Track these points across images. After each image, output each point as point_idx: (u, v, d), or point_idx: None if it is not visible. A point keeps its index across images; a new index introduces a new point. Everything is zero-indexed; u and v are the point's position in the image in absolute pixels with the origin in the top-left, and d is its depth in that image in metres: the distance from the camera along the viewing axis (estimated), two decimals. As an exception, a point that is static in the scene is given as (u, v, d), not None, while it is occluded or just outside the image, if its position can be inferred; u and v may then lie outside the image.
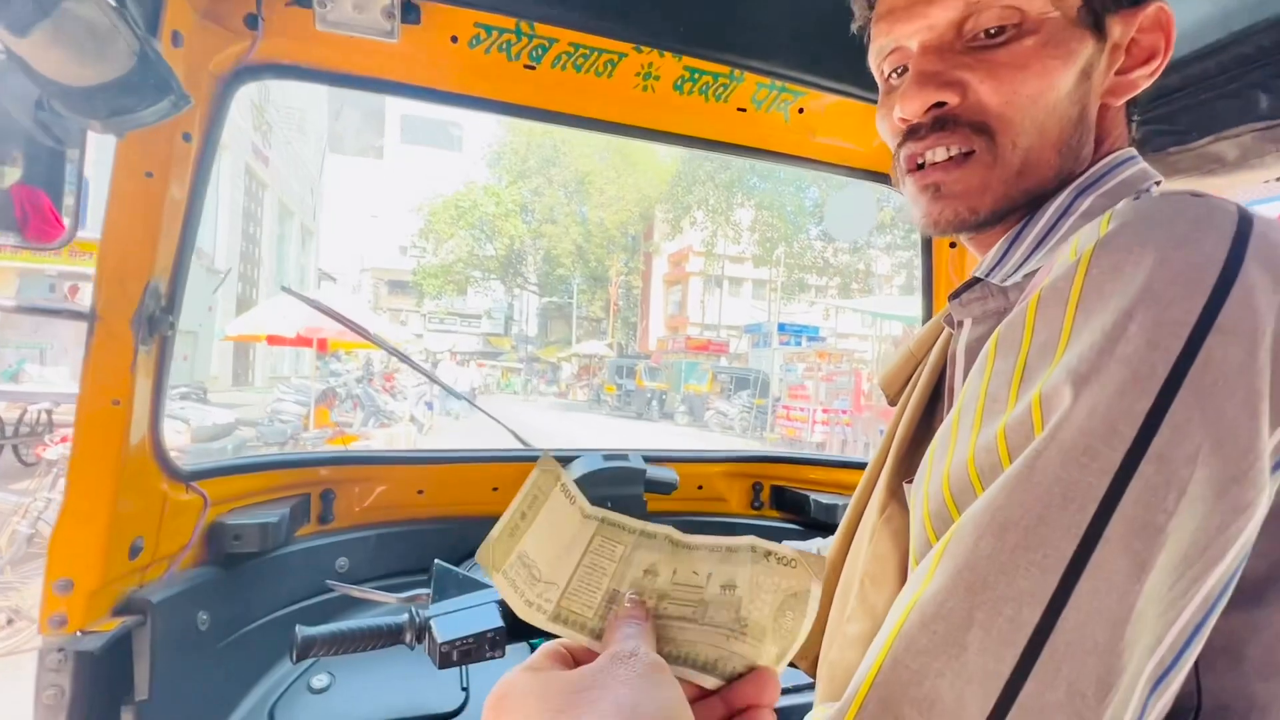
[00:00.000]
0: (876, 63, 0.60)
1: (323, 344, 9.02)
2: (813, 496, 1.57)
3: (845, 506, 1.61)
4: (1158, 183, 0.52)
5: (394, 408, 11.94)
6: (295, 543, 1.23)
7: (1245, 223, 0.36)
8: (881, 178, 1.37)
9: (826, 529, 1.57)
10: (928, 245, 1.40)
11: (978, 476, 0.38)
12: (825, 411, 15.34)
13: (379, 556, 1.34)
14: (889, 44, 0.57)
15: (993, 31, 0.51)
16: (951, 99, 0.52)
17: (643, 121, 1.18)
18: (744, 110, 1.20)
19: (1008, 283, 0.53)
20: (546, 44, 1.04)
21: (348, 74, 1.00)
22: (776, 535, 1.63)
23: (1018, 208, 0.54)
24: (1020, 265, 0.53)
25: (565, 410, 23.31)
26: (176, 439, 5.65)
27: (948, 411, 0.57)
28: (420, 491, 1.41)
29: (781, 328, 21.51)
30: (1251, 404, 0.33)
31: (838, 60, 1.06)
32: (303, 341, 8.31)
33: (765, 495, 1.67)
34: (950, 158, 0.53)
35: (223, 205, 16.33)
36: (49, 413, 8.55)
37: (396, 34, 0.90)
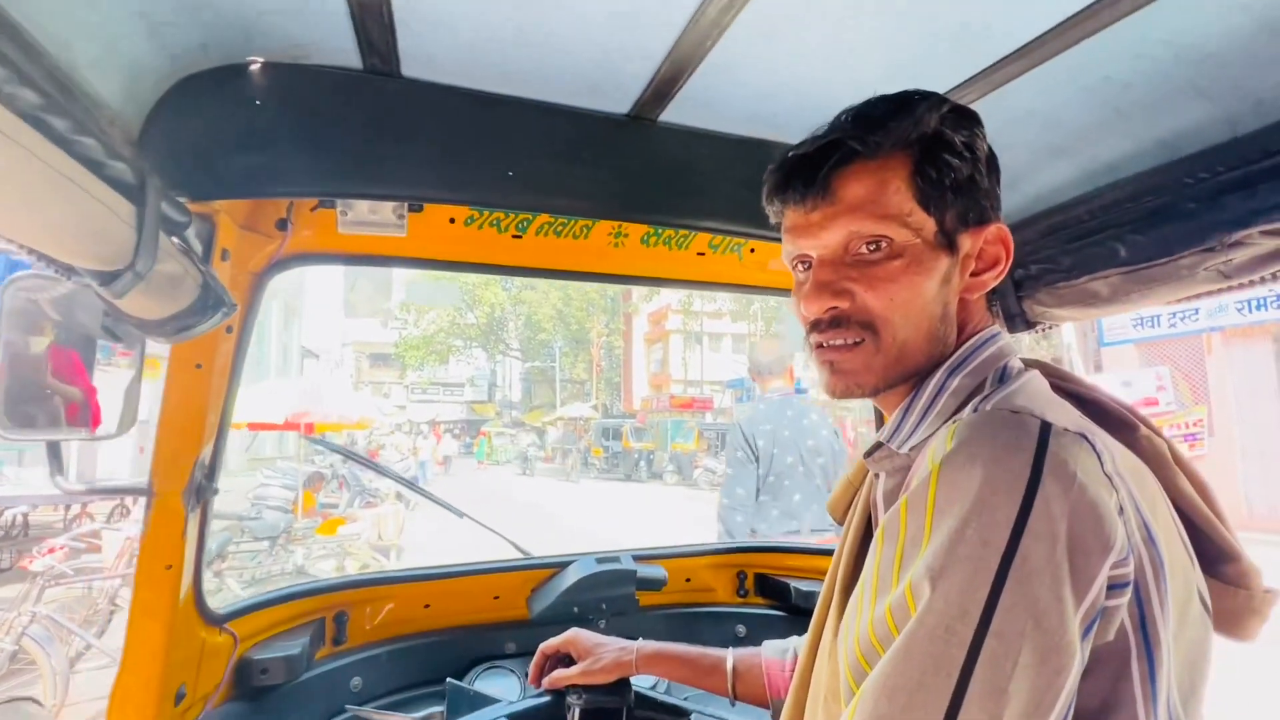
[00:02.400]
0: (787, 259, 0.76)
1: (309, 427, 9.02)
2: (793, 584, 1.68)
3: (823, 593, 1.72)
4: (1006, 365, 0.68)
5: (380, 485, 11.81)
6: (314, 666, 1.32)
7: (1043, 443, 0.52)
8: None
9: (807, 615, 1.68)
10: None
11: (878, 642, 0.53)
12: (812, 463, 15.37)
13: (391, 672, 1.42)
14: (794, 251, 0.73)
15: (870, 249, 0.66)
16: (843, 304, 0.67)
17: (616, 270, 1.36)
18: (703, 254, 1.39)
19: (903, 449, 0.69)
20: (530, 218, 1.22)
21: (363, 255, 1.16)
22: (762, 622, 1.74)
23: (897, 383, 0.69)
24: (912, 433, 0.68)
25: (559, 478, 23.04)
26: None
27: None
28: (426, 605, 1.51)
29: (731, 384, 21.75)
30: (1058, 589, 0.47)
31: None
32: (290, 427, 8.33)
33: (750, 583, 1.79)
34: (843, 344, 0.69)
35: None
36: (25, 516, 8.38)
37: (405, 229, 1.08)
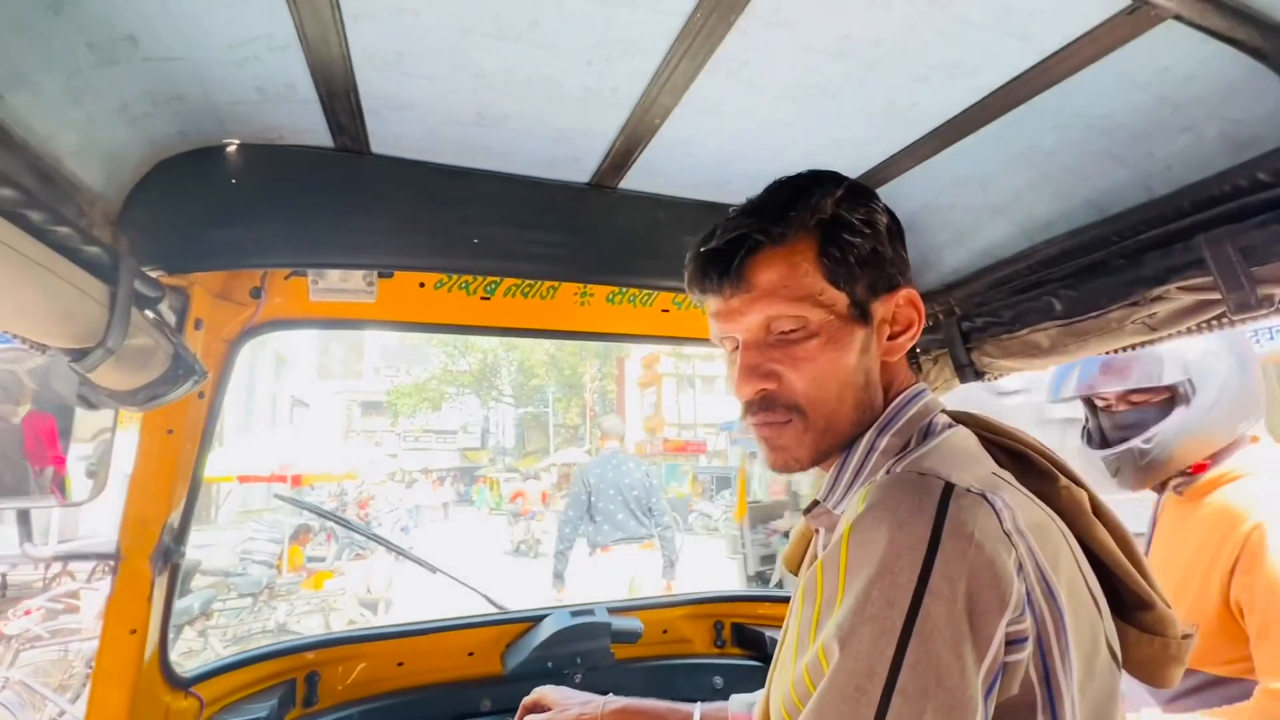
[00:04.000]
0: (716, 341, 0.78)
1: (296, 479, 8.93)
2: (768, 634, 1.69)
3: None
4: (931, 422, 0.71)
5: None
6: None
7: (943, 505, 0.55)
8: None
9: (783, 664, 1.68)
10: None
11: (799, 700, 0.56)
12: (807, 505, 15.23)
13: None
14: (720, 334, 0.76)
15: (788, 330, 0.69)
16: (770, 386, 0.70)
17: (583, 328, 1.42)
18: (668, 311, 1.44)
19: (838, 509, 0.73)
20: (497, 281, 1.27)
21: (335, 320, 1.21)
22: (739, 672, 1.73)
23: (831, 454, 0.72)
24: (845, 493, 0.72)
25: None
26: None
27: None
28: (400, 663, 1.50)
29: (727, 425, 21.75)
30: (958, 648, 0.50)
31: None
32: (276, 479, 8.25)
33: (727, 634, 1.79)
34: (775, 423, 0.72)
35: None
36: (3, 575, 8.17)
37: (375, 295, 1.13)
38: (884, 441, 0.70)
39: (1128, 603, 0.69)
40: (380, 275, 1.17)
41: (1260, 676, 1.10)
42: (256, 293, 1.11)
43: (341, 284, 1.11)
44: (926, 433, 0.70)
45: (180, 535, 1.03)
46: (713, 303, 0.73)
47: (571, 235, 1.21)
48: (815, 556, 0.79)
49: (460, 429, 42.43)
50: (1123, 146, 1.04)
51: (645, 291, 1.40)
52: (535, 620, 1.59)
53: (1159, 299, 1.03)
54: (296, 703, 1.37)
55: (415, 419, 36.08)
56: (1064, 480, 0.70)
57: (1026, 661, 0.53)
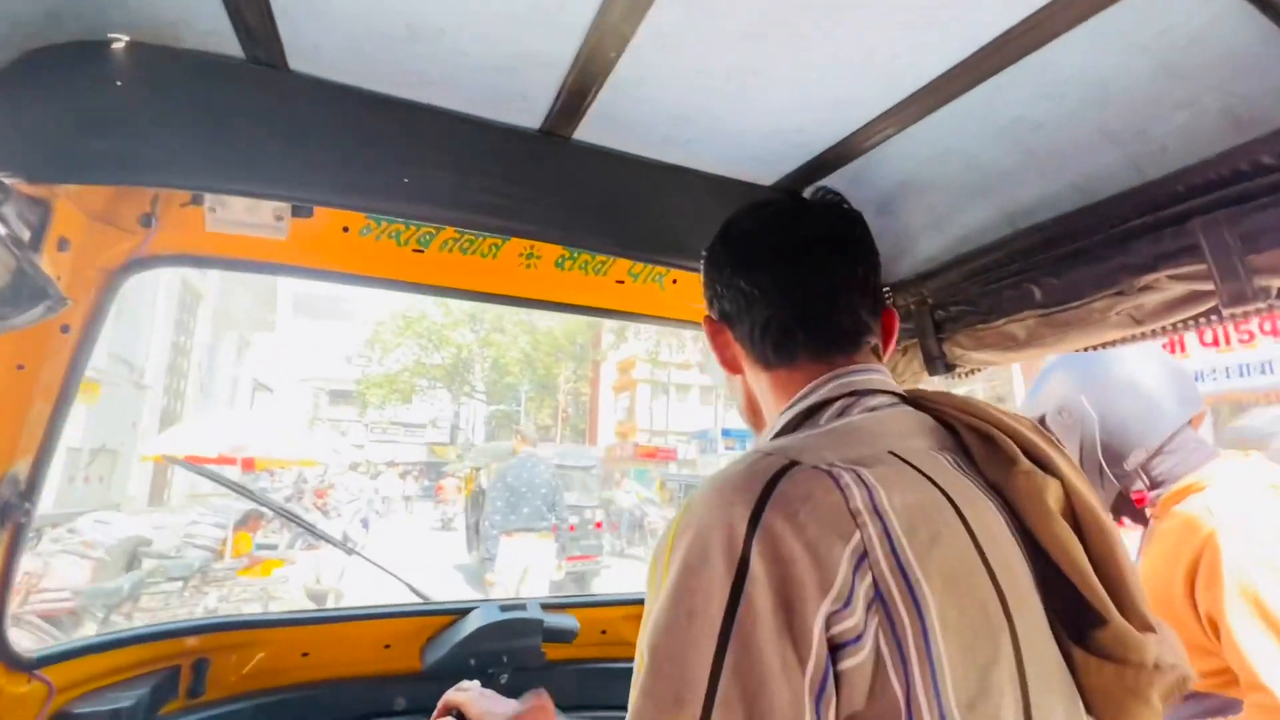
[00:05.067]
0: None
1: (249, 463, 8.61)
2: (713, 639, 1.57)
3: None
4: (845, 405, 0.67)
5: (326, 526, 11.26)
6: None
7: (772, 484, 0.49)
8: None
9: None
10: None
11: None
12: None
13: None
14: None
15: None
16: None
17: (528, 294, 1.29)
18: (622, 282, 1.33)
19: None
20: (433, 231, 1.15)
21: (240, 260, 1.07)
22: (681, 680, 1.61)
23: None
24: None
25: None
26: (70, 575, 5.16)
27: None
28: (305, 654, 1.36)
29: (725, 433, 21.76)
30: (779, 644, 0.44)
31: (698, 246, 1.21)
32: (225, 461, 7.92)
33: (670, 637, 1.67)
34: None
35: (156, 318, 15.91)
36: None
37: (285, 232, 0.99)
38: (782, 423, 0.67)
39: (1081, 617, 0.56)
40: (296, 213, 1.04)
41: (1245, 693, 1.02)
42: (147, 220, 0.97)
43: (246, 216, 0.97)
44: (841, 415, 0.64)
45: (28, 490, 0.88)
46: None
47: (519, 187, 1.09)
48: None
49: (430, 423, 41.79)
50: (1117, 121, 0.95)
51: (598, 260, 1.28)
52: (461, 613, 1.46)
53: (1147, 289, 0.94)
54: (180, 693, 1.22)
55: (384, 410, 35.40)
56: (1024, 465, 0.60)
57: (871, 666, 0.45)
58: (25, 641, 0.99)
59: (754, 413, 0.76)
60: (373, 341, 30.41)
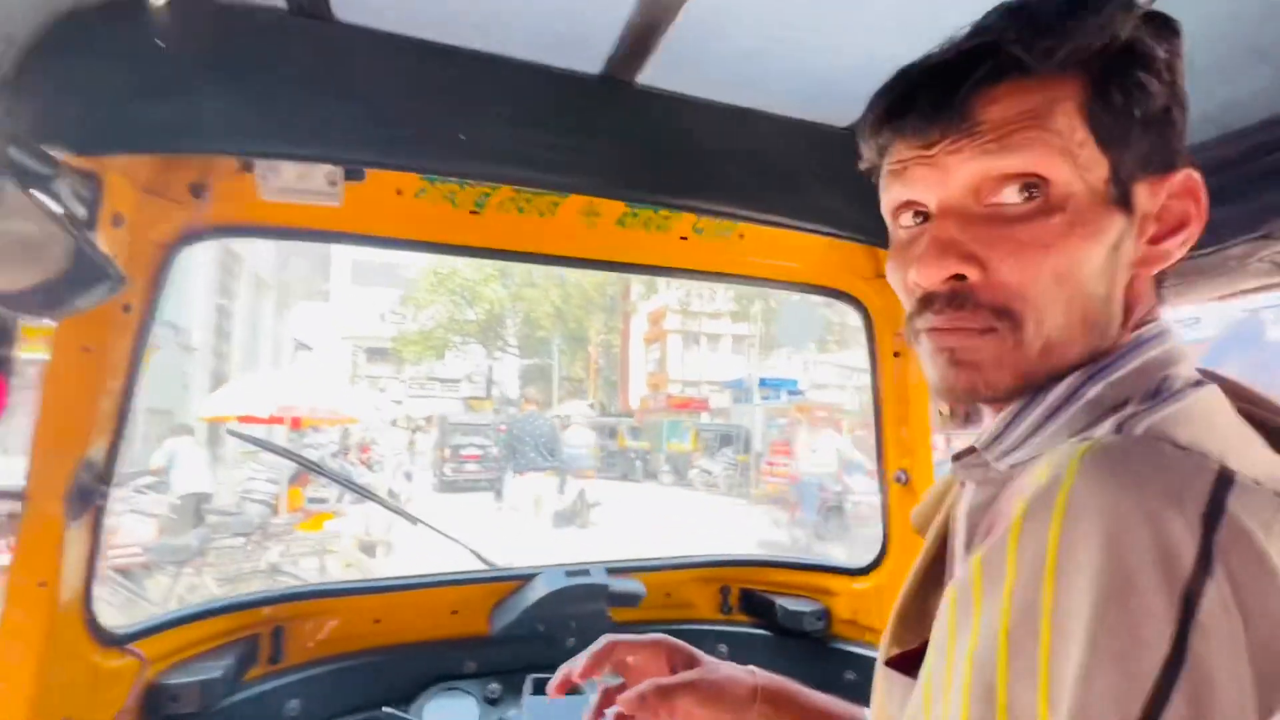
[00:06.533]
0: (887, 211, 0.56)
1: (296, 421, 8.87)
2: (779, 601, 1.55)
3: (812, 614, 1.58)
4: (1168, 376, 0.48)
5: (369, 480, 11.65)
6: (243, 688, 1.18)
7: (1217, 501, 0.35)
8: (822, 291, 1.43)
9: (793, 635, 1.55)
10: (873, 351, 1.45)
11: None
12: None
13: (334, 693, 1.29)
14: (901, 196, 0.53)
15: (1019, 198, 0.47)
16: (972, 274, 0.48)
17: (588, 254, 1.23)
18: (686, 238, 1.25)
19: (1003, 463, 0.51)
20: (489, 191, 1.08)
21: (293, 228, 1.03)
22: (746, 641, 1.61)
23: (1038, 384, 0.49)
24: (1020, 445, 0.50)
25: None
26: (139, 532, 5.44)
27: (948, 578, 0.55)
28: (377, 620, 1.37)
29: (762, 382, 21.65)
30: (1242, 715, 0.32)
31: (771, 196, 1.12)
32: (275, 420, 8.17)
33: (734, 599, 1.65)
34: (968, 329, 0.49)
35: (198, 281, 16.31)
36: None
37: (339, 198, 0.94)
38: (1094, 390, 0.48)
39: None
40: (349, 177, 0.98)
41: None
42: (198, 190, 0.92)
43: (299, 182, 0.92)
44: (1158, 390, 0.46)
45: (105, 473, 0.87)
46: (902, 149, 0.52)
47: (580, 137, 1.01)
48: (951, 518, 0.57)
49: (465, 378, 42.58)
50: (1274, 36, 0.82)
51: (662, 215, 1.20)
52: (526, 579, 1.46)
53: (1298, 232, 0.83)
54: (261, 660, 1.25)
55: (420, 367, 36.07)
56: None
57: None
58: (101, 592, 0.99)
59: (1089, 323, 0.48)
60: (407, 299, 30.78)
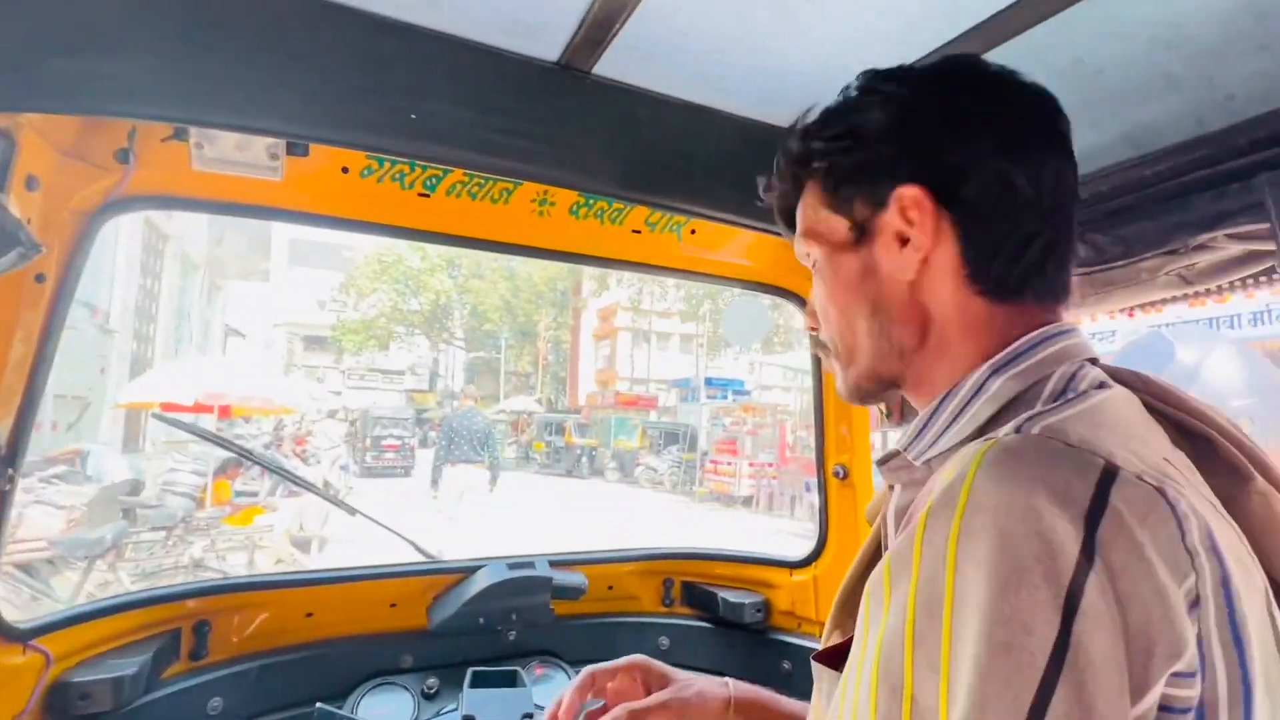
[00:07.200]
0: None
1: (225, 410, 8.47)
2: (720, 594, 1.58)
3: (753, 606, 1.61)
4: (1075, 373, 0.52)
5: (305, 473, 11.22)
6: (161, 686, 1.12)
7: (1101, 496, 0.38)
8: (770, 289, 1.46)
9: (734, 627, 1.58)
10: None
11: None
12: (752, 465, 15.58)
13: (260, 691, 1.24)
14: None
15: (810, 267, 0.66)
16: (812, 324, 0.68)
17: (540, 243, 1.21)
18: (638, 232, 1.25)
19: (921, 459, 0.56)
20: (441, 174, 1.06)
21: (230, 202, 0.98)
22: (688, 633, 1.63)
23: (879, 388, 0.62)
24: (933, 443, 0.55)
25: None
26: (45, 524, 5.07)
27: None
28: (309, 614, 1.33)
29: (709, 381, 21.91)
30: (1119, 700, 0.35)
31: (722, 194, 1.14)
32: (201, 408, 7.77)
33: (676, 592, 1.67)
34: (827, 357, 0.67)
35: (119, 260, 15.29)
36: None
37: (280, 172, 0.90)
38: (996, 384, 0.52)
39: None
40: (291, 151, 0.94)
41: None
42: (123, 155, 0.87)
43: (237, 154, 0.88)
44: (1066, 388, 0.50)
45: (10, 454, 0.81)
46: None
47: (535, 125, 1.00)
48: (883, 519, 0.63)
49: (408, 370, 41.45)
50: (1183, 66, 0.89)
51: (615, 206, 1.20)
52: (468, 571, 1.44)
53: (1201, 248, 0.90)
54: (182, 655, 1.19)
55: (361, 357, 34.91)
56: (1260, 482, 0.50)
57: None
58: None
59: (915, 347, 0.57)
60: (347, 286, 29.73)
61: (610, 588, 1.61)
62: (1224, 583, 0.39)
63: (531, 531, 9.75)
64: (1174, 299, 0.98)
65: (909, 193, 0.55)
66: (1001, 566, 0.37)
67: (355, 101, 0.89)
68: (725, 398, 20.73)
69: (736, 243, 1.35)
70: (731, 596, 1.57)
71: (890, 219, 0.57)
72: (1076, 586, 0.36)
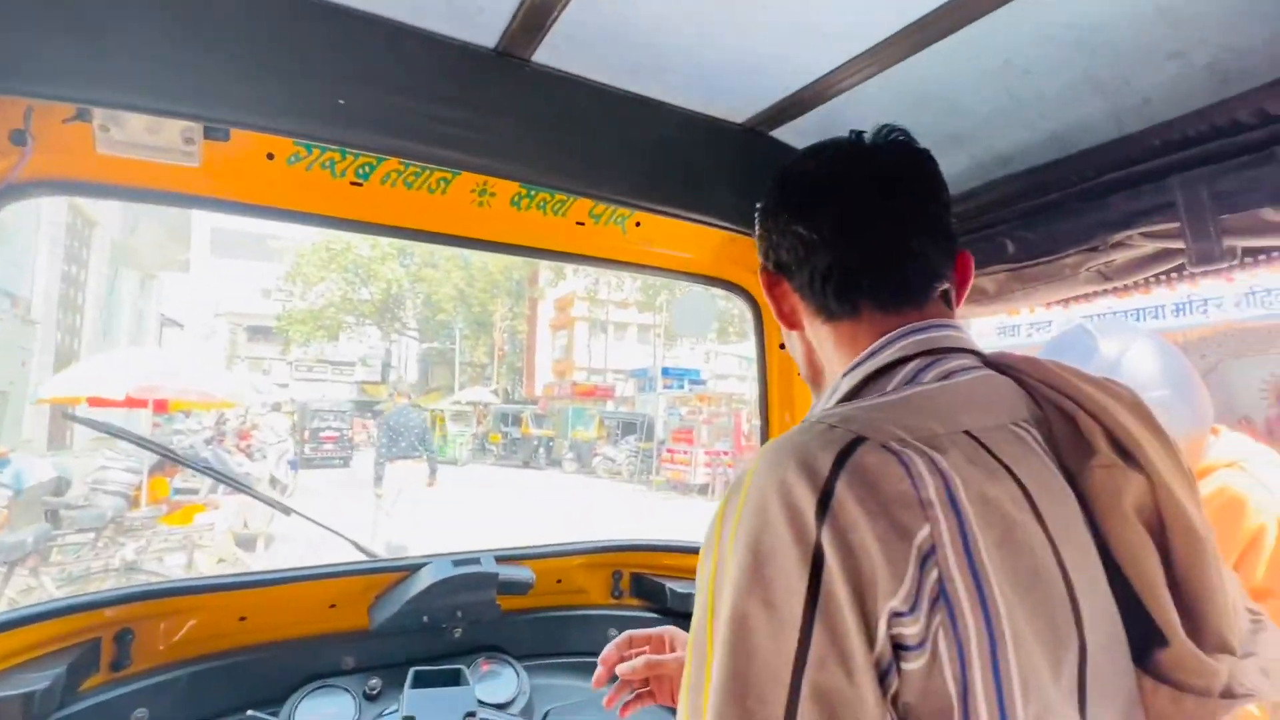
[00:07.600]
0: None
1: (161, 404, 8.08)
2: (669, 585, 1.59)
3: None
4: (920, 368, 0.60)
5: (251, 469, 10.81)
6: (77, 700, 1.06)
7: (841, 462, 0.45)
8: (714, 282, 1.46)
9: (683, 617, 1.60)
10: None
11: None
12: (708, 454, 15.77)
13: (189, 699, 1.18)
14: None
15: None
16: None
17: (481, 234, 1.19)
18: (582, 224, 1.24)
19: None
20: (374, 162, 1.02)
21: (142, 189, 0.92)
22: (636, 624, 1.62)
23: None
24: None
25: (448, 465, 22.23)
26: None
27: None
28: (242, 618, 1.28)
29: (665, 371, 22.03)
30: (859, 635, 0.42)
31: (667, 187, 1.14)
32: (134, 403, 7.38)
33: (625, 584, 1.67)
34: None
35: (41, 247, 14.36)
36: None
37: (197, 158, 0.85)
38: (845, 385, 0.61)
39: (1142, 635, 0.51)
40: (209, 135, 0.89)
41: None
42: (19, 137, 0.80)
43: (147, 137, 0.82)
44: (914, 379, 0.57)
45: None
46: None
47: (472, 112, 0.97)
48: None
49: (359, 361, 40.36)
50: (1104, 70, 0.92)
51: (558, 198, 1.19)
52: (412, 569, 1.41)
53: (1119, 245, 0.95)
54: (102, 666, 1.13)
55: (309, 348, 33.76)
56: (1103, 457, 0.53)
57: (927, 668, 0.42)
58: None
59: (815, 372, 0.71)
60: (294, 275, 28.66)
61: (559, 581, 1.61)
62: (962, 533, 0.44)
63: (476, 526, 9.69)
64: (1095, 294, 1.02)
65: (761, 274, 0.72)
66: (761, 535, 0.44)
67: (279, 84, 0.84)
68: (682, 387, 20.91)
69: (681, 236, 1.34)
70: (680, 587, 1.58)
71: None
72: (819, 543, 0.42)
